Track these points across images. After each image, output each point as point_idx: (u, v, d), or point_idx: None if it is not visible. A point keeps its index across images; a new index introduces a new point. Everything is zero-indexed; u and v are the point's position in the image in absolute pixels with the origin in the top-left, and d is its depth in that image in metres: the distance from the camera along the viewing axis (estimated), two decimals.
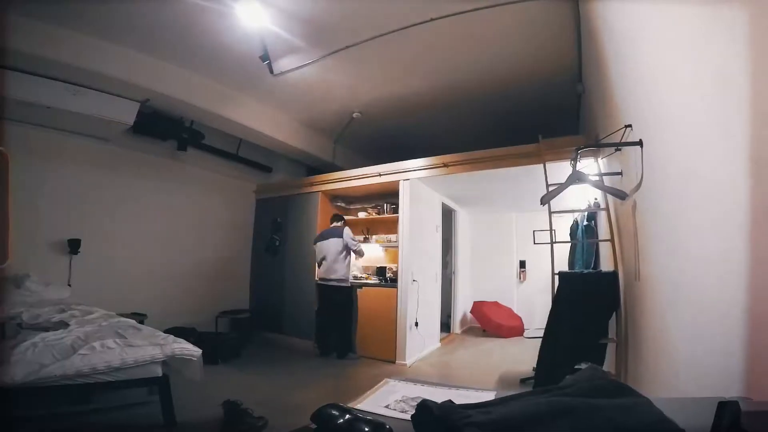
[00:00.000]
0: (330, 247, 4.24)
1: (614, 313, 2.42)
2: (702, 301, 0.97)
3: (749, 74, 0.71)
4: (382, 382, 0.90)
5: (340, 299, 4.20)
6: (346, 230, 4.28)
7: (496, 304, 5.98)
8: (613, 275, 2.42)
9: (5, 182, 1.36)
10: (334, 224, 4.45)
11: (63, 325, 2.37)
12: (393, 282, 4.26)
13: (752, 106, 0.71)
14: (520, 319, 5.80)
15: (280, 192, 5.38)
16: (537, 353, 2.65)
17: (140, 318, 3.40)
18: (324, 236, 4.37)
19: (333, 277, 4.18)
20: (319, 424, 0.59)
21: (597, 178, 2.44)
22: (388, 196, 4.73)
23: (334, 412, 0.60)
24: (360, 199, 5.25)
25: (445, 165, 3.98)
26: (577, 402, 0.53)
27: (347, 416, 0.59)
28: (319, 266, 4.41)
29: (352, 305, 4.25)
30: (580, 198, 3.71)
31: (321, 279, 4.31)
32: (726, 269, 0.82)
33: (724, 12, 0.82)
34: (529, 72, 3.62)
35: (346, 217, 5.16)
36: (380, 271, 4.73)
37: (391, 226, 4.73)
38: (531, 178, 3.66)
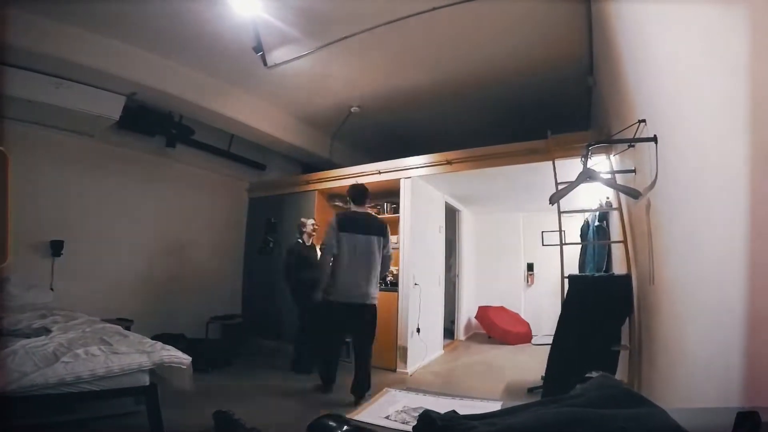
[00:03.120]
0: (369, 247, 3.15)
1: (627, 319, 2.42)
2: (721, 305, 0.97)
3: (766, 68, 0.71)
4: (382, 392, 0.90)
5: (371, 320, 3.09)
6: (388, 230, 3.53)
7: (502, 309, 5.98)
8: (626, 278, 2.43)
9: (5, 182, 1.38)
10: (364, 209, 3.40)
11: (45, 331, 2.37)
12: (393, 286, 4.25)
13: None
14: (527, 324, 5.80)
15: (275, 191, 5.38)
16: (545, 361, 2.65)
17: (126, 324, 3.39)
18: (357, 226, 3.25)
19: (367, 294, 3.06)
20: None
21: (609, 176, 2.45)
22: (389, 195, 4.73)
23: (331, 423, 0.60)
24: None
25: (449, 162, 3.98)
26: (587, 412, 0.53)
27: (345, 427, 0.59)
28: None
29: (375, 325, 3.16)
30: (591, 197, 3.71)
31: (340, 294, 3.02)
32: (746, 271, 0.82)
33: (739, 4, 0.82)
34: (537, 64, 3.62)
35: None
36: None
37: (392, 227, 4.68)
38: (539, 176, 3.65)
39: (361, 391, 2.80)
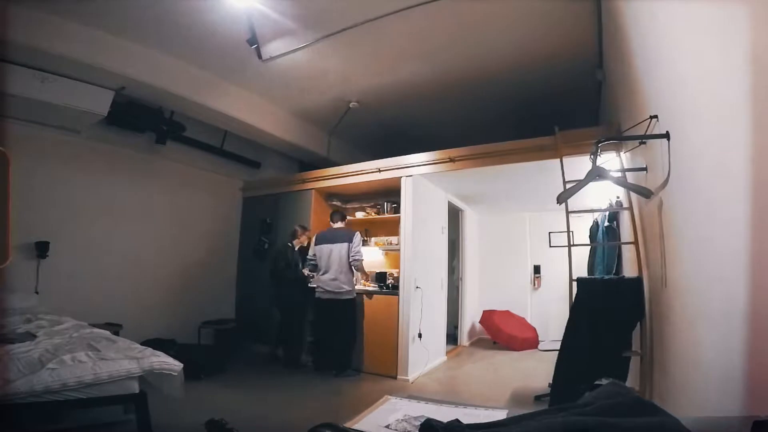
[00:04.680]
0: (338, 253, 4.09)
1: (638, 324, 2.42)
2: (738, 310, 0.97)
3: None
4: (382, 400, 0.90)
5: (345, 312, 4.07)
6: (357, 236, 4.20)
7: (507, 313, 5.98)
8: (637, 281, 2.42)
9: (6, 182, 1.41)
10: (338, 225, 4.31)
11: (30, 336, 2.37)
12: (394, 289, 4.25)
13: None
14: (534, 330, 5.80)
15: (270, 189, 5.38)
16: (553, 368, 2.65)
17: (115, 329, 3.40)
18: (328, 239, 4.22)
19: (339, 290, 4.04)
20: None
21: (619, 174, 2.45)
22: (389, 194, 4.73)
23: None
24: (358, 198, 5.25)
25: (452, 160, 3.98)
26: (596, 422, 0.53)
27: None
28: (316, 273, 4.25)
29: (356, 318, 4.18)
30: (601, 196, 3.71)
31: (322, 291, 4.10)
32: (764, 275, 0.82)
33: None
34: (544, 56, 3.62)
35: None
36: (380, 277, 4.72)
37: (392, 228, 4.73)
38: (546, 174, 3.65)
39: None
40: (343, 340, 4.08)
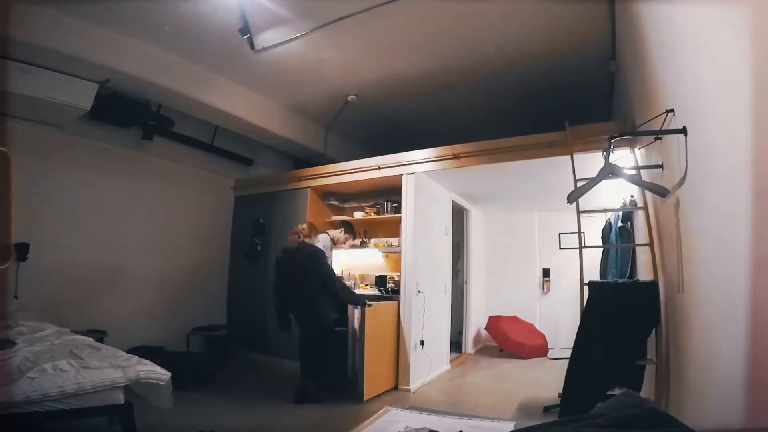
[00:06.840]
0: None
1: (653, 330, 2.42)
2: (758, 315, 0.97)
3: None
4: (382, 411, 0.91)
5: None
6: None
7: (515, 319, 5.98)
8: (652, 285, 2.43)
9: (7, 182, 1.41)
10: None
11: (9, 343, 2.37)
12: (394, 294, 4.26)
13: None
14: (543, 336, 5.80)
15: (263, 188, 5.38)
16: (563, 377, 2.65)
17: (99, 335, 3.41)
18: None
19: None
20: None
21: (633, 171, 2.45)
22: (389, 193, 4.73)
23: None
24: (356, 197, 5.26)
25: (456, 156, 3.98)
26: None
27: None
28: None
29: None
30: (614, 195, 3.71)
31: None
32: None
33: None
34: (554, 47, 3.62)
35: (340, 218, 5.17)
36: (380, 281, 4.73)
37: (393, 228, 4.73)
38: (556, 171, 3.65)
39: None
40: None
